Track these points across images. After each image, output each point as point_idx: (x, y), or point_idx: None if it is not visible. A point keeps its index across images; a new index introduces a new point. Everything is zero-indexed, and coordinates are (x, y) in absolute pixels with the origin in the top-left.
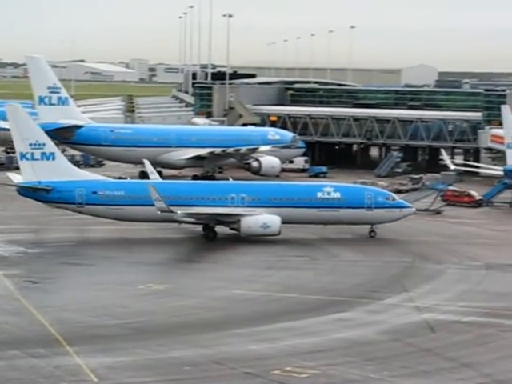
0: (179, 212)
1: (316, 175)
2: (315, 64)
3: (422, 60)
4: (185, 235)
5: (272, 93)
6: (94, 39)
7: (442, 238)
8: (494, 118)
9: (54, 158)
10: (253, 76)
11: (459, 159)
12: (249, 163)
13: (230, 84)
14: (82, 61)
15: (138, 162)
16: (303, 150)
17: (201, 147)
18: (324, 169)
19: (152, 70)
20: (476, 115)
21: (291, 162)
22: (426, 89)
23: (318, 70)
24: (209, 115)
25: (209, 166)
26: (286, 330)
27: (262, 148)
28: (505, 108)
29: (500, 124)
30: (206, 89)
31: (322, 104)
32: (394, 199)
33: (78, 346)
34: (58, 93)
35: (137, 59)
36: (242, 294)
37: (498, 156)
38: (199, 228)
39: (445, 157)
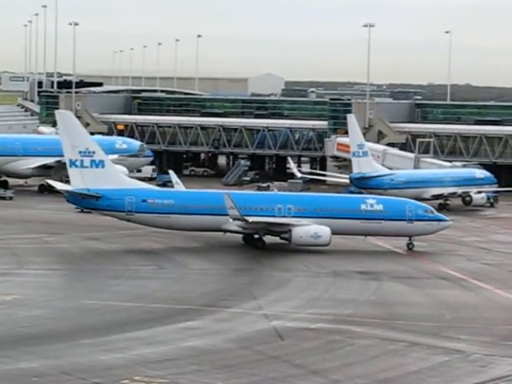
0: (250, 220)
1: (164, 184)
2: (162, 73)
3: (269, 69)
4: (31, 245)
5: (119, 101)
6: None
7: (290, 246)
8: (339, 126)
9: (103, 166)
10: (100, 84)
11: (306, 167)
12: None
13: (77, 93)
14: None
15: None
16: (151, 158)
17: (47, 156)
18: None
19: None
20: (322, 124)
21: (139, 170)
22: (272, 98)
23: (165, 79)
24: (55, 124)
25: (56, 175)
26: (135, 340)
27: (110, 157)
28: (350, 117)
29: (346, 132)
30: (52, 97)
31: (169, 113)
32: (432, 212)
33: None
34: None
35: None
36: (90, 304)
37: (344, 164)
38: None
39: (291, 165)
